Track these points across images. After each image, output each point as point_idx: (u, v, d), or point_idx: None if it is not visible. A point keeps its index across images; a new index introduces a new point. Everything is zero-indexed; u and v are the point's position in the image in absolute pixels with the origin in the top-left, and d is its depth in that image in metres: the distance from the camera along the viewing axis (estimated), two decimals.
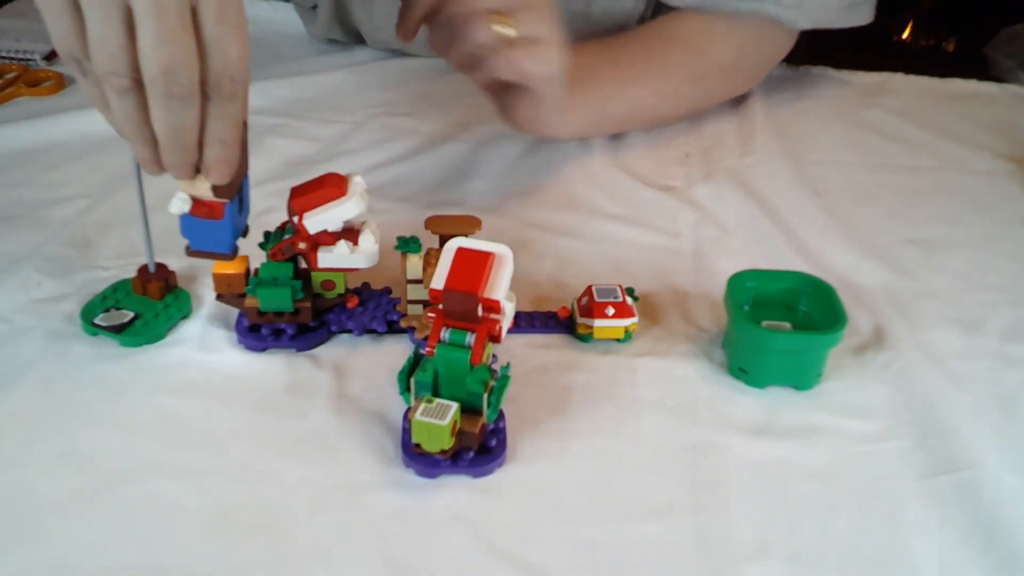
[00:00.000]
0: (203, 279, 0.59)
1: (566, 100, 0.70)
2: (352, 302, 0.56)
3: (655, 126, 0.80)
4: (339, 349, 0.55)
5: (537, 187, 0.73)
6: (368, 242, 0.53)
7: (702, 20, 0.78)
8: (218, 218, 0.50)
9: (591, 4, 0.83)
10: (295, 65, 0.91)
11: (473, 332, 0.46)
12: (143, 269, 0.57)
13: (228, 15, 0.43)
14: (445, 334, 0.46)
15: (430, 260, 0.54)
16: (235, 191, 0.50)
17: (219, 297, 0.55)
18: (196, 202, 0.50)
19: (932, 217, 0.72)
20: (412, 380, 0.46)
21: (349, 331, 0.55)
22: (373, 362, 0.54)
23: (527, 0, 0.63)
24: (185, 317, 0.57)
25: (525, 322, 0.57)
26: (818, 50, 0.92)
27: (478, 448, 0.47)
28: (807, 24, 0.81)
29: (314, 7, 0.92)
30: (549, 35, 0.63)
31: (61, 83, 0.85)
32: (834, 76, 0.93)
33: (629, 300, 0.56)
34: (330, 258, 0.53)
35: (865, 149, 0.81)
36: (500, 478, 0.47)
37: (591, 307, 0.55)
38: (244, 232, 0.53)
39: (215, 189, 0.48)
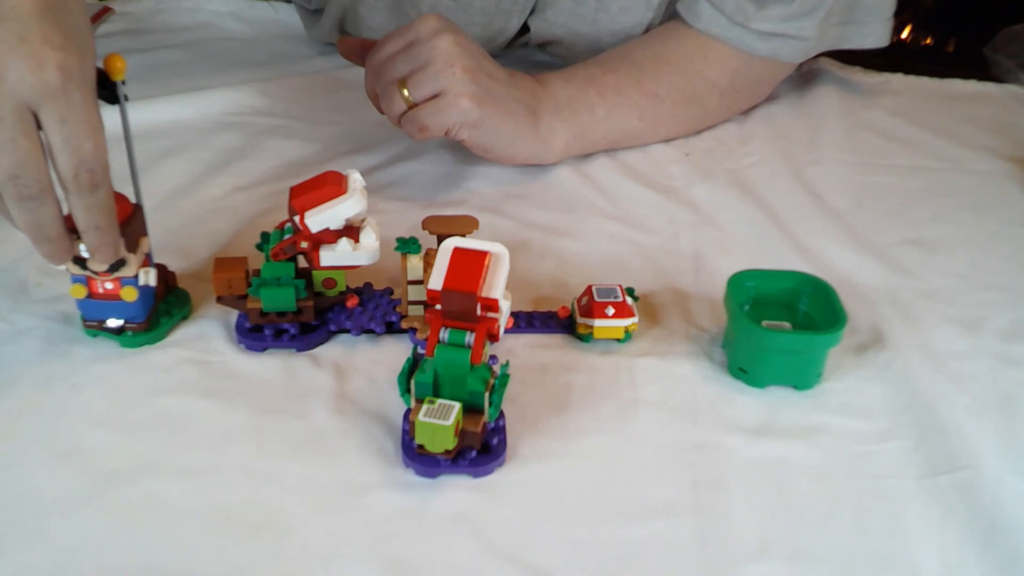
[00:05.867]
0: (203, 279, 0.59)
1: (550, 128, 0.71)
2: (352, 301, 0.56)
3: (650, 143, 0.79)
4: (339, 349, 0.55)
5: (537, 187, 0.73)
6: (370, 239, 0.53)
7: (698, 41, 0.77)
8: (123, 298, 0.52)
9: (599, 14, 0.82)
10: (295, 66, 0.91)
11: (472, 331, 0.46)
12: None
13: (74, 114, 0.44)
14: (444, 334, 0.46)
15: (430, 261, 0.54)
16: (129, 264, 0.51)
17: (220, 299, 0.55)
18: (93, 284, 0.52)
19: (932, 217, 0.72)
20: (413, 381, 0.46)
21: (347, 331, 0.56)
22: (373, 362, 0.54)
23: (428, 58, 0.64)
24: (185, 317, 0.57)
25: (525, 322, 0.57)
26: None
27: (480, 447, 0.47)
28: (801, 58, 0.80)
29: (317, 11, 0.92)
30: (447, 86, 0.64)
31: None
32: (835, 75, 0.93)
33: (629, 300, 0.56)
34: (333, 256, 0.53)
35: (865, 149, 0.81)
36: (500, 478, 0.47)
37: (591, 307, 0.55)
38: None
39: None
